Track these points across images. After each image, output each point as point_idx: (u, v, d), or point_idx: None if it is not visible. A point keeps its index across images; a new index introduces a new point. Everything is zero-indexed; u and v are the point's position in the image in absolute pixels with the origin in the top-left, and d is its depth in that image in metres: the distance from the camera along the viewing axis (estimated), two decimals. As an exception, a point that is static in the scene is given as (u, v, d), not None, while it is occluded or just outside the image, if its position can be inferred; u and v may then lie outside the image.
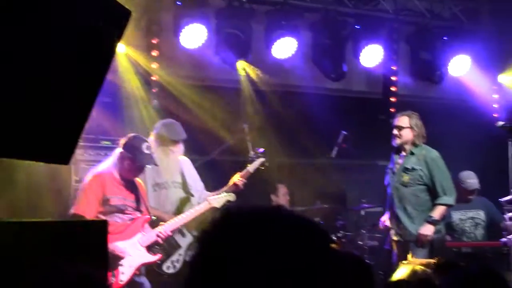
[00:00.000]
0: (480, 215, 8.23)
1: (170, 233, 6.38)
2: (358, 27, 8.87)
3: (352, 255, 3.50)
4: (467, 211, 8.23)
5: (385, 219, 7.33)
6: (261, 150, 7.04)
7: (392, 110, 8.95)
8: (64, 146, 2.54)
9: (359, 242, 8.22)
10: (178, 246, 6.62)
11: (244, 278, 1.31)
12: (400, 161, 7.23)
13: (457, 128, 8.91)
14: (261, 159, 6.97)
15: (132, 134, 6.29)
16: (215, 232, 1.42)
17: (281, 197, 8.95)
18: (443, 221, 7.11)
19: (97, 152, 7.11)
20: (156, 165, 6.32)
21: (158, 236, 6.28)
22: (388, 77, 9.35)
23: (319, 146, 8.72)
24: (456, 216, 8.16)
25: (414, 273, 3.26)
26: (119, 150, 6.22)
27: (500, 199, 7.09)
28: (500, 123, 7.04)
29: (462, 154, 8.35)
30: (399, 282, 2.17)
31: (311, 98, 8.95)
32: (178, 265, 6.57)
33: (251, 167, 6.88)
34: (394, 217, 7.15)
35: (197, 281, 1.39)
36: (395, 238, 7.15)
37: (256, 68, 8.56)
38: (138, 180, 6.37)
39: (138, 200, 6.28)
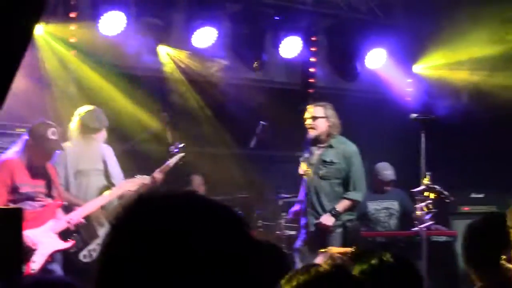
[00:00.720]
0: (394, 205, 8.43)
1: (82, 220, 6.29)
2: (278, 18, 8.92)
3: (269, 243, 3.53)
4: (382, 201, 8.42)
5: (297, 209, 7.41)
6: (181, 144, 7.00)
7: (310, 101, 9.04)
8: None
9: (277, 232, 8.29)
10: (96, 236, 6.53)
11: (160, 264, 1.28)
12: (318, 152, 7.27)
13: (373, 120, 9.09)
14: (181, 154, 6.94)
15: (37, 121, 6.18)
16: (127, 217, 1.37)
17: (196, 187, 8.93)
18: (349, 214, 7.14)
19: (11, 139, 6.92)
20: (62, 150, 6.22)
21: (68, 222, 6.18)
22: (306, 69, 9.44)
23: (238, 136, 8.74)
24: (371, 206, 8.35)
25: (330, 260, 3.32)
26: (25, 137, 6.11)
27: (412, 190, 7.27)
28: (414, 115, 7.22)
29: (377, 146, 8.54)
30: (314, 266, 2.21)
31: (230, 88, 8.96)
32: (94, 254, 6.48)
33: (170, 162, 6.85)
34: (311, 208, 7.22)
35: (110, 267, 1.33)
36: (311, 229, 7.23)
37: (180, 50, 8.50)
38: (49, 164, 6.25)
39: (49, 186, 6.17)
